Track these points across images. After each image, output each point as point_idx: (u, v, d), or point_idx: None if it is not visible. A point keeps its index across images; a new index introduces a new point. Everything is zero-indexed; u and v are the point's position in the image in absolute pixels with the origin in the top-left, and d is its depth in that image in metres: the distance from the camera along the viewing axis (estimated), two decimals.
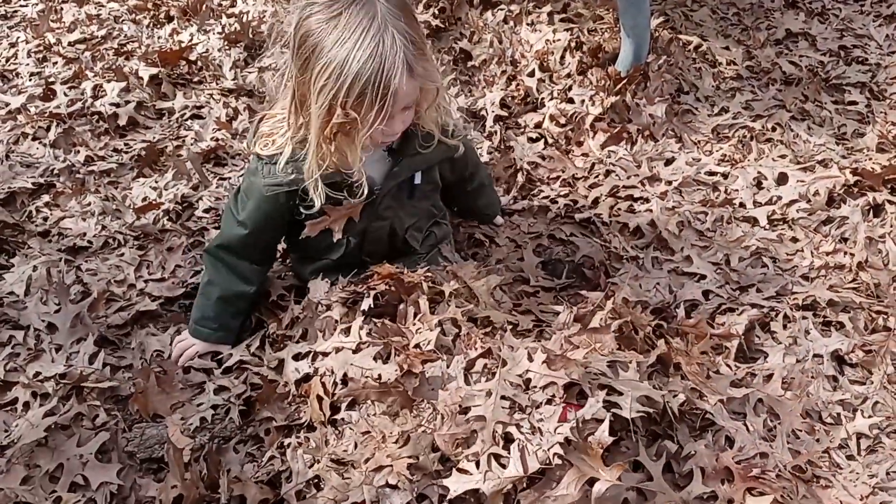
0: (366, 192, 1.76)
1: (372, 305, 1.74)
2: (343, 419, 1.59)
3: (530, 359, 1.52)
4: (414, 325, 1.72)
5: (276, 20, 1.78)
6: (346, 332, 1.72)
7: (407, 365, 1.57)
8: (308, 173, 1.72)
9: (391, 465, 1.45)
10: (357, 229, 1.91)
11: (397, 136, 1.78)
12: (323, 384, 1.66)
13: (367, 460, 1.49)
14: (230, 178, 2.56)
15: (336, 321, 1.74)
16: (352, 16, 1.55)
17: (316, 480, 1.54)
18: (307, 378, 1.72)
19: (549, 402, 1.45)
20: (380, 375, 1.58)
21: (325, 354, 1.71)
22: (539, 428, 1.41)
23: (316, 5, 1.60)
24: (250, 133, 1.88)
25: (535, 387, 1.48)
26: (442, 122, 1.86)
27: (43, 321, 1.99)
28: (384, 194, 1.89)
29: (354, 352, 1.67)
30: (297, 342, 1.82)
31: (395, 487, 1.46)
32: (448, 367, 1.58)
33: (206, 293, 1.95)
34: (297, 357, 1.78)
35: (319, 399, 1.64)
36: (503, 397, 1.46)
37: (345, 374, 1.64)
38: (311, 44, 1.58)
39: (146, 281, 2.17)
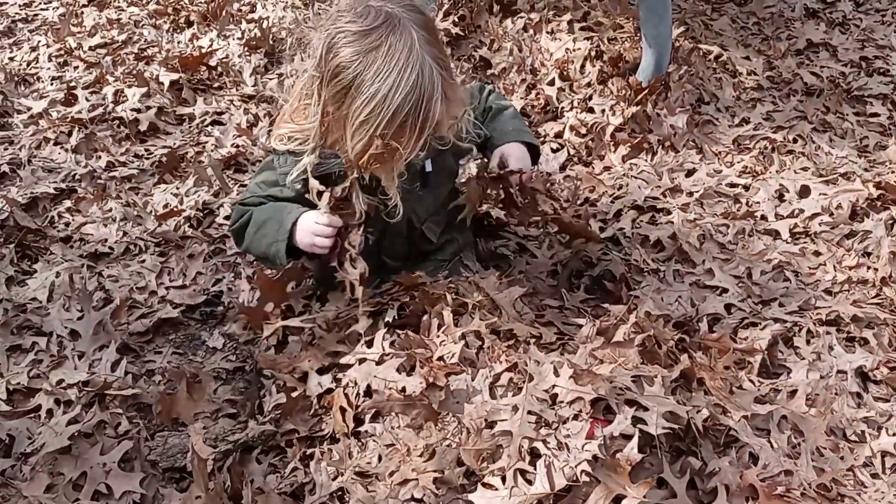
0: (401, 213, 1.78)
1: (396, 317, 1.74)
2: (367, 431, 1.59)
3: (556, 373, 1.52)
4: (437, 337, 1.72)
5: (297, 34, 1.78)
6: (370, 343, 1.72)
7: (431, 378, 1.57)
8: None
9: (416, 479, 1.45)
10: (376, 227, 1.90)
11: None
12: (346, 396, 1.66)
13: (391, 473, 1.49)
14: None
15: (360, 334, 1.74)
16: (390, 48, 1.57)
17: (340, 493, 1.54)
18: (330, 390, 1.72)
19: (575, 417, 1.45)
20: (404, 388, 1.58)
21: (349, 366, 1.71)
22: (566, 444, 1.41)
23: (349, 34, 1.60)
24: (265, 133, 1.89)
25: (562, 402, 1.47)
26: (457, 129, 1.86)
27: (66, 328, 2.00)
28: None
29: (378, 363, 1.67)
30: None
31: (420, 501, 1.46)
32: (473, 380, 1.57)
33: (258, 219, 1.82)
34: (319, 370, 1.78)
35: (343, 411, 1.64)
36: (530, 412, 1.46)
37: (368, 386, 1.64)
38: (348, 77, 1.59)
39: (167, 288, 2.18)
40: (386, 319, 1.75)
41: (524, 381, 1.53)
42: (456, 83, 1.70)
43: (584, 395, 1.47)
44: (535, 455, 1.43)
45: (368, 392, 1.64)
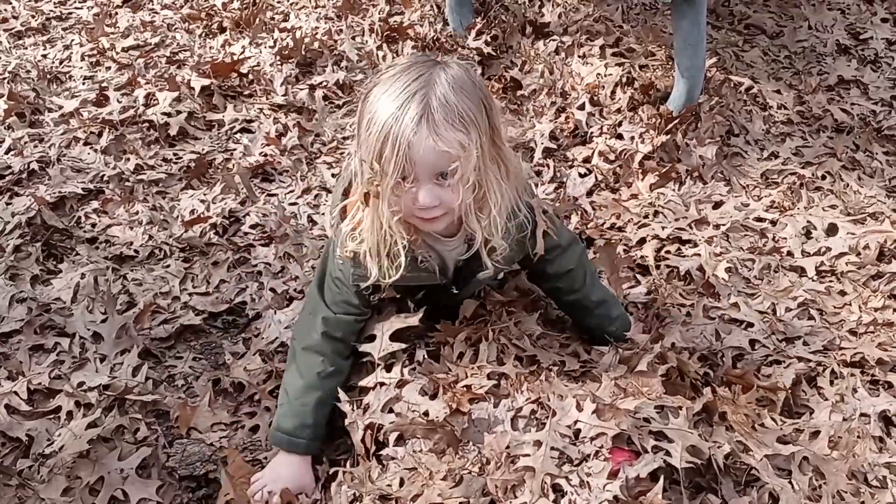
0: (383, 294, 1.73)
1: (426, 356, 1.73)
2: (388, 454, 1.59)
3: (579, 408, 1.51)
4: (459, 364, 1.71)
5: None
6: (388, 369, 1.72)
7: (455, 403, 1.57)
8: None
9: None
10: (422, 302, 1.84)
11: (433, 218, 1.56)
12: (366, 418, 1.66)
13: (414, 497, 1.47)
14: (277, 194, 2.56)
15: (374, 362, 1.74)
16: (404, 77, 1.47)
17: None
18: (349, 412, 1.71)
19: (597, 454, 1.44)
20: (427, 412, 1.58)
21: (369, 389, 1.70)
22: (588, 483, 1.40)
23: (390, 70, 1.53)
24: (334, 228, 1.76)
25: (585, 438, 1.47)
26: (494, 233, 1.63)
27: (88, 330, 2.01)
28: (451, 282, 1.80)
29: (399, 386, 1.67)
30: None
31: None
32: (495, 408, 1.57)
33: (301, 399, 1.70)
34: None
35: (363, 433, 1.63)
36: (552, 448, 1.45)
37: (390, 409, 1.64)
38: (366, 106, 1.51)
39: (190, 294, 2.18)
40: (417, 359, 1.73)
41: (547, 416, 1.52)
42: (467, 133, 1.47)
43: (606, 431, 1.46)
44: (556, 491, 1.42)
45: (390, 415, 1.64)
